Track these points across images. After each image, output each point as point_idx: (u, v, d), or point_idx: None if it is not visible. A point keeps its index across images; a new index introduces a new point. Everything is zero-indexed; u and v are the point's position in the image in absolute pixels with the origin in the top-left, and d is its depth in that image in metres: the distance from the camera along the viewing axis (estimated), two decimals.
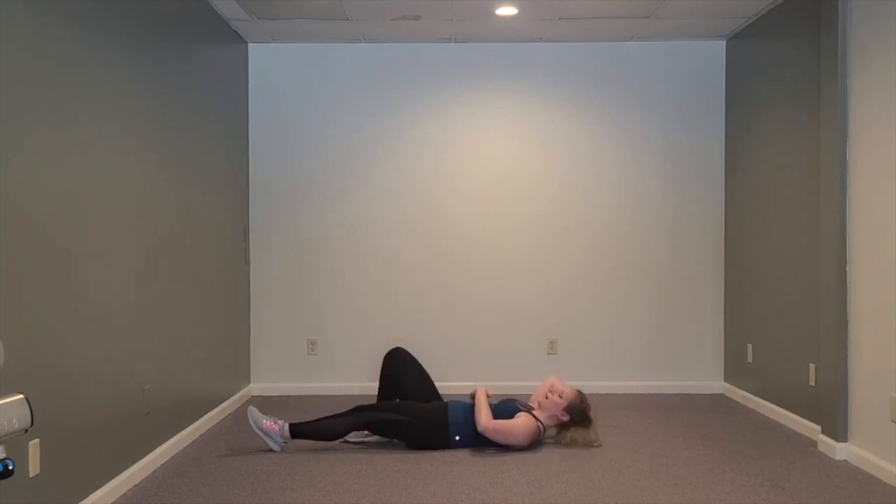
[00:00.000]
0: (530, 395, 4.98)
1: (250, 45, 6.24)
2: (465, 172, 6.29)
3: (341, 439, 4.57)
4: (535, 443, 4.57)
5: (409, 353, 5.02)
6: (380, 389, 4.96)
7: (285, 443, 4.48)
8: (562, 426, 4.63)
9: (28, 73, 2.98)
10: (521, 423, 4.49)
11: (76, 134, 3.36)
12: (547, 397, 4.63)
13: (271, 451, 4.47)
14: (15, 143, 2.89)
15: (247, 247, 6.16)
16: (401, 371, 4.92)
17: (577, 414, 4.60)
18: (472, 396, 4.66)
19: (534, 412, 4.60)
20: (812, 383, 4.76)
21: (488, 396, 4.63)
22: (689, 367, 6.29)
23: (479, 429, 4.45)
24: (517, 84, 6.28)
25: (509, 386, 5.95)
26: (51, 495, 3.13)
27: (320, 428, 4.51)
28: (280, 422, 4.50)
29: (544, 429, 4.59)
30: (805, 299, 4.86)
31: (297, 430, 4.48)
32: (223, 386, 5.52)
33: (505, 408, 4.61)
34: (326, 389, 6.21)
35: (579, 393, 4.66)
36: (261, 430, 4.47)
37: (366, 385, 5.95)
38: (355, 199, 6.29)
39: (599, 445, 4.57)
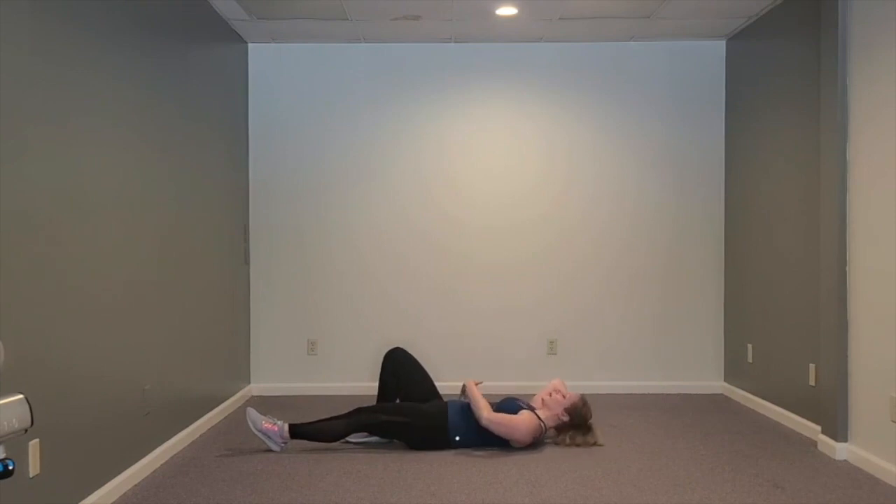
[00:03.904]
0: (531, 395, 5.00)
1: (250, 45, 6.23)
2: (464, 172, 6.29)
3: (342, 440, 4.57)
4: (537, 441, 4.57)
5: (407, 353, 5.03)
6: (379, 389, 4.96)
7: (285, 443, 4.48)
8: (561, 427, 4.64)
9: (27, 73, 2.98)
10: (523, 419, 4.50)
11: (75, 134, 3.35)
12: (550, 395, 4.66)
13: (271, 451, 4.47)
14: (14, 143, 2.89)
15: (247, 247, 6.16)
16: (400, 371, 4.92)
17: (577, 417, 4.61)
18: (463, 390, 4.66)
19: (536, 411, 4.61)
20: (812, 383, 4.76)
21: (477, 384, 4.64)
22: (689, 367, 6.29)
23: (483, 422, 4.45)
24: (517, 84, 6.28)
25: (509, 386, 5.95)
26: (51, 495, 3.13)
27: (320, 429, 4.51)
28: (279, 423, 4.50)
29: (546, 428, 4.60)
30: (805, 299, 4.86)
31: (296, 431, 4.48)
32: (223, 386, 5.51)
33: (507, 406, 4.62)
34: (326, 389, 6.20)
35: (582, 397, 4.69)
36: (260, 431, 4.47)
37: (366, 385, 5.95)
38: (355, 200, 6.29)
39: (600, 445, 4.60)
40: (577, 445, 4.56)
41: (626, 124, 6.29)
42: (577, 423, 4.61)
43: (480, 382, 4.75)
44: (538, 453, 4.46)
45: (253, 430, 4.49)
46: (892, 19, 3.92)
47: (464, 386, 4.66)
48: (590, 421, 4.65)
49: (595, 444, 4.57)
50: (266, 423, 4.47)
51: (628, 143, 6.29)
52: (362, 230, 6.29)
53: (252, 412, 4.52)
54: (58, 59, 3.21)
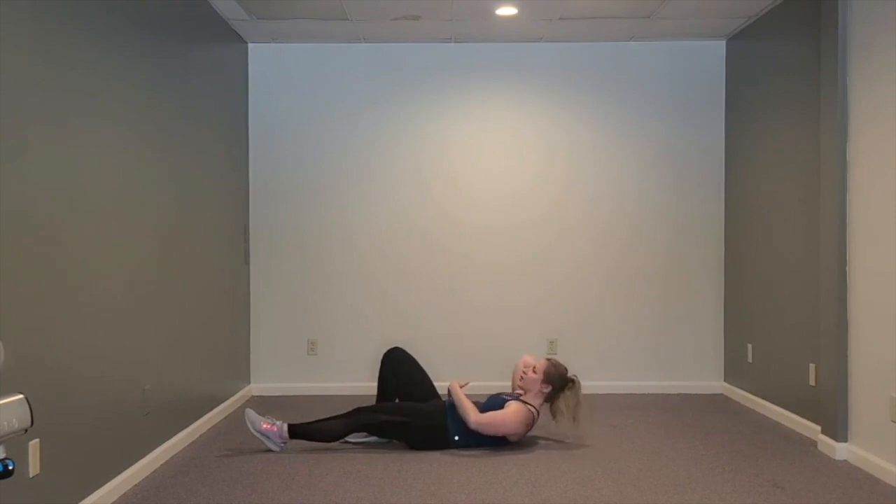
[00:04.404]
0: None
1: (250, 45, 6.23)
2: (464, 172, 6.29)
3: (341, 440, 4.57)
4: (531, 427, 4.57)
5: (406, 353, 5.03)
6: (378, 389, 4.96)
7: (284, 444, 4.48)
8: (549, 399, 4.63)
9: (27, 73, 2.98)
10: (511, 411, 4.50)
11: (75, 134, 3.35)
12: (522, 378, 4.64)
13: (271, 451, 4.47)
14: (14, 143, 2.89)
15: (247, 247, 6.16)
16: (399, 370, 4.92)
17: (556, 379, 4.60)
18: (450, 393, 4.65)
19: (521, 398, 4.61)
20: (812, 383, 4.76)
21: (461, 387, 4.63)
22: (689, 367, 6.29)
23: (471, 426, 4.46)
24: (517, 84, 6.28)
25: (509, 386, 5.94)
26: (51, 495, 3.13)
27: (319, 429, 4.51)
28: (278, 423, 4.49)
29: (537, 412, 4.59)
30: (805, 299, 4.86)
31: (296, 431, 4.48)
32: (223, 386, 5.51)
33: (494, 403, 4.61)
34: (326, 389, 6.20)
35: (550, 360, 4.67)
36: (259, 432, 4.47)
37: (366, 385, 5.94)
38: (355, 200, 6.29)
39: (579, 409, 4.57)
40: (571, 411, 4.52)
41: (626, 124, 6.29)
42: (560, 385, 4.60)
43: (466, 383, 4.73)
44: (538, 453, 4.46)
45: (252, 431, 4.49)
46: (892, 19, 3.92)
47: (449, 388, 4.65)
48: (569, 375, 4.64)
49: (580, 406, 4.56)
50: (265, 424, 4.47)
51: (628, 143, 6.29)
52: (362, 230, 6.29)
53: (251, 413, 4.52)
54: (58, 59, 3.21)
